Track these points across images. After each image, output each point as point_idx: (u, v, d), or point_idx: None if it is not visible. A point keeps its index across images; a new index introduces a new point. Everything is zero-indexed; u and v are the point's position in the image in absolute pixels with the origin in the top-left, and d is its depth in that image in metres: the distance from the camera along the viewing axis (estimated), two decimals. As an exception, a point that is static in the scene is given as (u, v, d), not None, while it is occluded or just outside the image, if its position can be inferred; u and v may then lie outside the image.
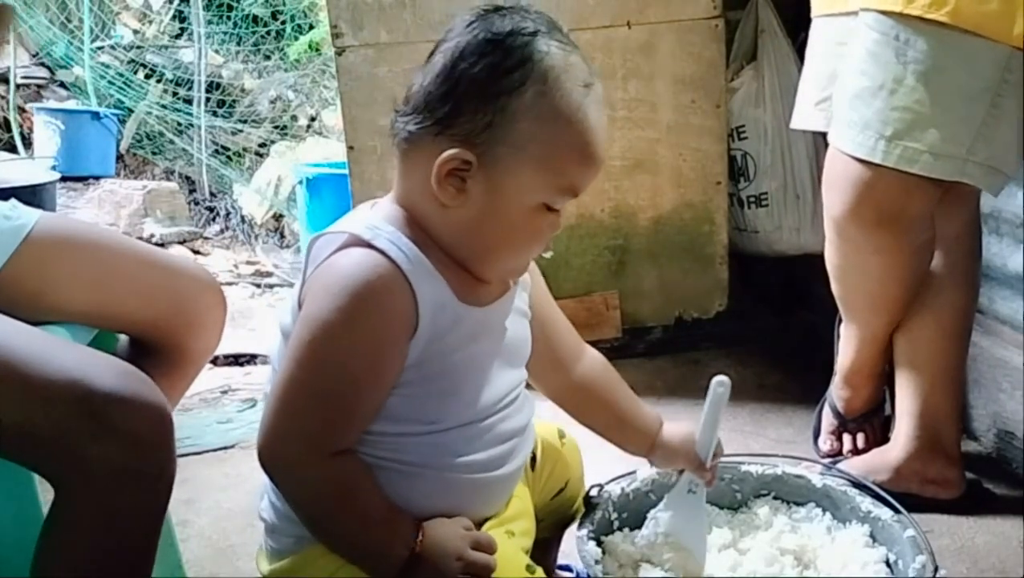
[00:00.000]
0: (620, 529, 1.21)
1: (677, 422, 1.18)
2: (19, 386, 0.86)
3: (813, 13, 1.61)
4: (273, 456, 0.89)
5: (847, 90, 1.42)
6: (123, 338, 1.27)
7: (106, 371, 0.88)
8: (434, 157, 0.89)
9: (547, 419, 1.18)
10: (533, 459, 1.10)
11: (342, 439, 0.89)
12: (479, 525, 0.97)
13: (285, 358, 0.89)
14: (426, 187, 0.91)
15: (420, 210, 0.93)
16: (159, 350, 1.25)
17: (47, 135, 4.34)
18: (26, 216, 1.19)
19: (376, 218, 0.93)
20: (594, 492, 1.20)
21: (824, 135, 1.54)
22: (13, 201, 1.19)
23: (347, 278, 0.87)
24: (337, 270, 0.88)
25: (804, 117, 1.67)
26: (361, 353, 0.88)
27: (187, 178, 4.60)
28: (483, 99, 0.88)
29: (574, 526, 1.17)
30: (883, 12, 1.34)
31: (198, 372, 1.32)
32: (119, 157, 4.66)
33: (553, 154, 0.90)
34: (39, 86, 5.00)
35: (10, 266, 1.14)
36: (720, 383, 1.14)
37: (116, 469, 0.86)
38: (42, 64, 5.06)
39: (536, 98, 0.89)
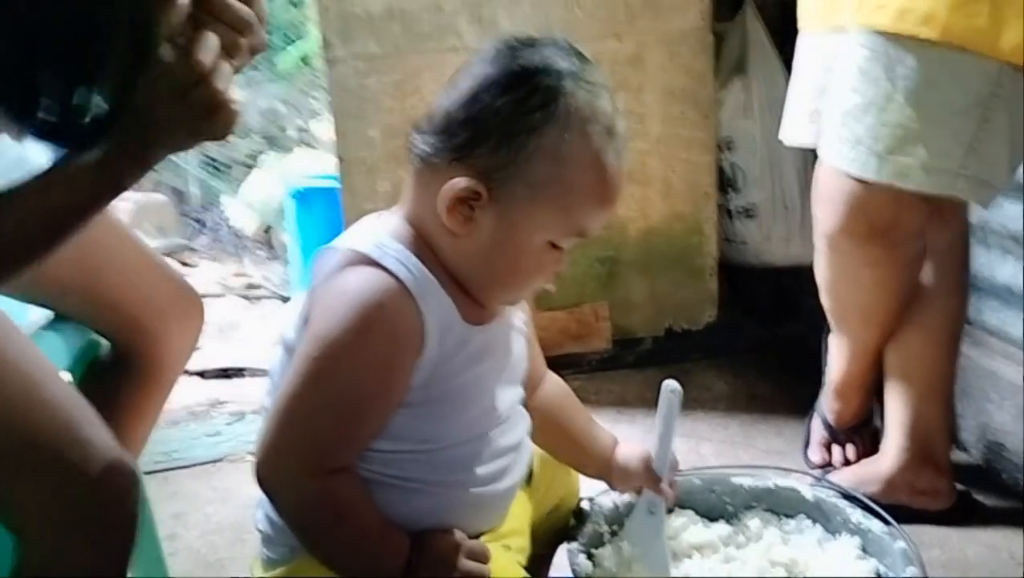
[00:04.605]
0: (611, 542, 1.20)
1: (631, 442, 1.15)
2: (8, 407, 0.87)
3: (800, 28, 1.62)
4: (271, 471, 0.88)
5: (838, 107, 1.43)
6: (105, 344, 1.26)
7: (92, 454, 0.89)
8: (445, 182, 0.89)
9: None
10: (529, 475, 1.10)
11: (341, 457, 0.89)
12: (475, 539, 0.97)
13: (289, 374, 0.88)
14: (436, 209, 0.90)
15: (428, 231, 0.92)
16: (134, 359, 1.23)
17: (37, 149, 4.31)
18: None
19: (383, 235, 0.92)
20: (585, 505, 1.20)
21: (812, 148, 1.54)
22: None
23: (355, 297, 0.87)
24: (345, 288, 0.88)
25: (792, 132, 1.68)
26: (367, 373, 0.87)
27: (176, 190, 4.58)
28: (503, 135, 0.87)
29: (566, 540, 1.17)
30: (872, 30, 1.35)
31: (170, 388, 1.30)
32: (107, 168, 4.64)
33: (567, 197, 0.90)
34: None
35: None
36: (671, 389, 1.10)
37: (78, 531, 0.87)
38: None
39: (556, 141, 0.88)
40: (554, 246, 0.93)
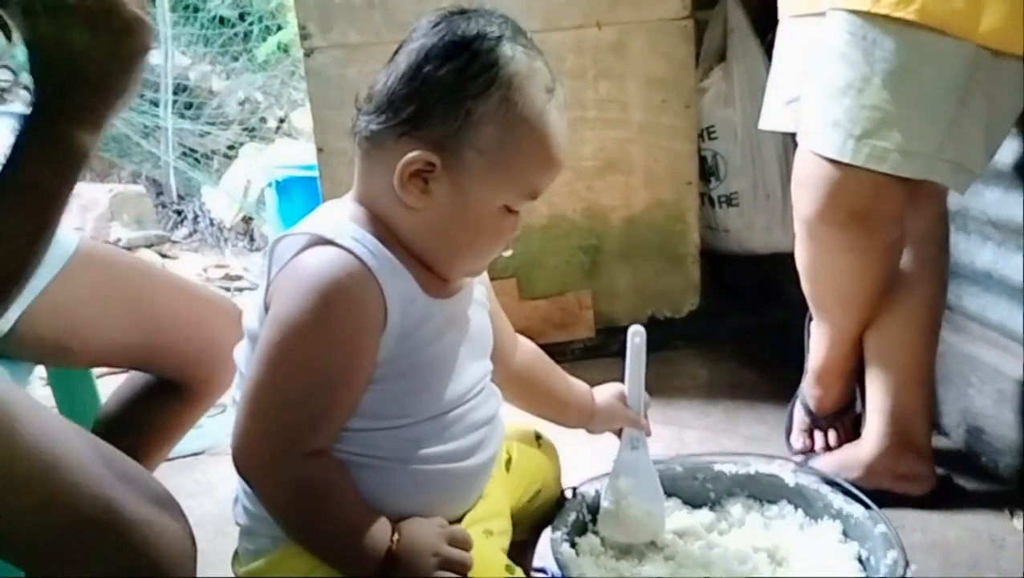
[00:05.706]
0: (594, 531, 1.20)
1: (603, 387, 1.22)
2: (48, 500, 0.86)
3: (780, 14, 1.62)
4: (247, 459, 0.88)
5: (816, 90, 1.43)
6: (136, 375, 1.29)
7: (137, 496, 0.90)
8: (397, 157, 0.89)
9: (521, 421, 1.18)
10: (508, 461, 1.10)
11: (316, 440, 0.89)
12: (456, 523, 0.97)
13: (254, 361, 0.88)
14: (388, 186, 0.91)
15: (382, 209, 0.93)
16: (182, 386, 1.26)
17: (11, 139, 4.27)
18: (68, 237, 1.17)
19: (339, 217, 0.93)
20: (568, 493, 1.21)
21: (793, 135, 1.55)
22: None
23: (314, 277, 0.87)
24: (303, 270, 0.88)
25: (772, 118, 1.68)
26: (332, 352, 0.88)
27: (154, 181, 4.55)
28: (448, 103, 0.89)
29: (548, 528, 1.17)
30: (851, 11, 1.35)
31: (209, 407, 1.32)
32: (85, 160, 4.59)
33: (516, 159, 0.91)
34: (2, 89, 4.92)
35: (48, 291, 1.12)
36: (636, 333, 1.18)
37: None
38: (5, 67, 4.99)
39: (501, 104, 0.89)
40: (509, 210, 0.94)
